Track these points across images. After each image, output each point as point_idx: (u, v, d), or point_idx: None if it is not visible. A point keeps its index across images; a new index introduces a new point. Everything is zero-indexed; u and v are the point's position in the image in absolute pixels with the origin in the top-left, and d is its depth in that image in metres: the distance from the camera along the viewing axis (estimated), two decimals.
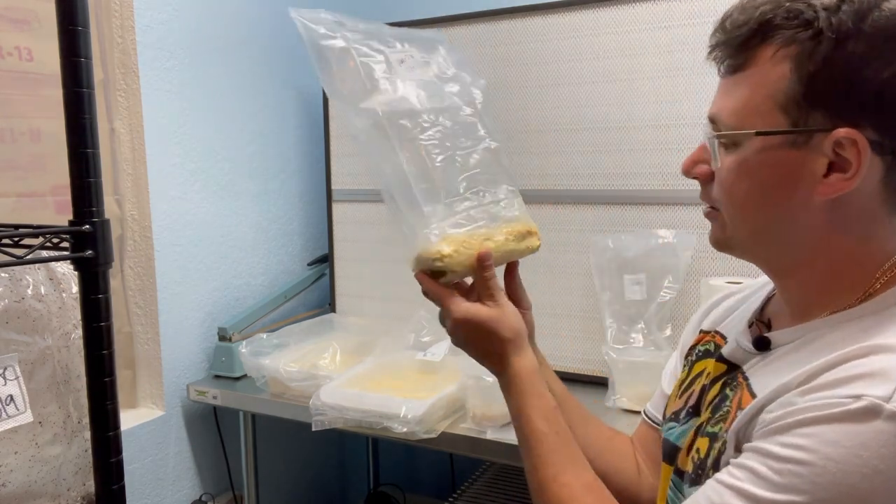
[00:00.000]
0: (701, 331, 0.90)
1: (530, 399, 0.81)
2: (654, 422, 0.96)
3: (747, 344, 0.74)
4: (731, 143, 0.68)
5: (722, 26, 0.68)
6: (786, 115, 0.64)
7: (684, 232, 1.55)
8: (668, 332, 1.56)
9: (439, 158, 0.84)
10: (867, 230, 0.66)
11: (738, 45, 0.67)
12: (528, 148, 1.72)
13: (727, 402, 0.72)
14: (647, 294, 1.57)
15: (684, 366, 0.90)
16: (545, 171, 1.71)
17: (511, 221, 0.87)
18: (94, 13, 1.63)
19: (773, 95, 0.64)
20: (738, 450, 0.64)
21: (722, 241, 0.74)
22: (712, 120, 0.70)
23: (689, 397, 0.82)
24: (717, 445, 0.69)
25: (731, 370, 0.75)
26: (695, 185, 0.75)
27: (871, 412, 0.55)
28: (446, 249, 0.80)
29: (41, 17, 1.50)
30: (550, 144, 1.70)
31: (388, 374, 1.63)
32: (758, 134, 0.65)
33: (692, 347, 0.89)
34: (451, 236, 0.82)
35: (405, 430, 1.41)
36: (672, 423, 0.83)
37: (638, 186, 1.62)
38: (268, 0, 2.02)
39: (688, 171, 0.74)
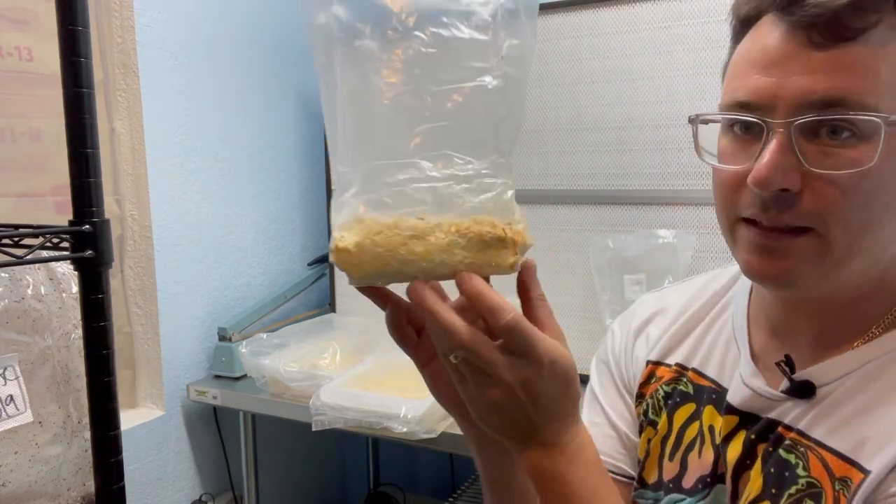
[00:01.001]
0: (650, 362, 0.73)
1: (605, 472, 0.60)
2: (612, 472, 0.73)
3: (768, 389, 0.61)
4: (863, 135, 0.51)
5: None
6: None
7: (684, 232, 1.55)
8: None
9: (391, 94, 0.53)
10: None
11: (871, 3, 0.50)
12: (528, 148, 1.72)
13: (800, 472, 0.57)
14: None
15: (645, 408, 0.72)
16: (545, 171, 1.71)
17: (475, 212, 0.53)
18: (94, 13, 1.63)
19: None
20: None
21: (817, 272, 0.55)
22: (832, 103, 0.51)
23: (685, 458, 0.68)
24: None
25: (751, 422, 0.62)
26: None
27: None
28: (345, 240, 0.52)
29: (41, 17, 1.50)
30: (550, 144, 1.70)
31: (388, 374, 1.63)
32: None
33: (644, 384, 0.73)
34: (363, 220, 0.52)
35: (405, 430, 1.41)
36: (677, 496, 0.67)
37: (638, 186, 1.62)
38: (268, 0, 2.02)
39: (771, 182, 0.52)
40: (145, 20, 1.69)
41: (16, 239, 0.85)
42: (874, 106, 0.50)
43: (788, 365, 0.60)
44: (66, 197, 0.81)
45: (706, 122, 0.61)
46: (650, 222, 1.61)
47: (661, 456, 0.70)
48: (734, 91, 0.57)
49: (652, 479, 0.70)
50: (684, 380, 0.70)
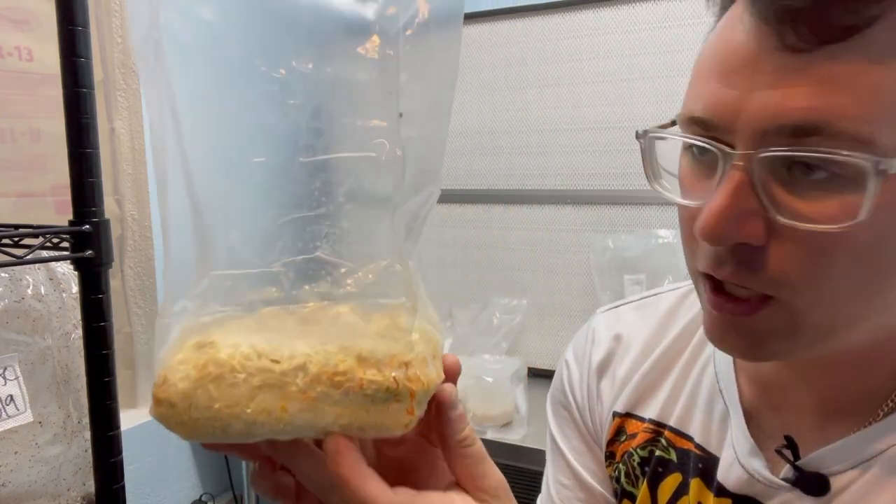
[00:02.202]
0: (617, 415, 0.60)
1: None
2: None
3: (769, 476, 0.49)
4: (850, 176, 0.37)
5: None
6: None
7: None
8: None
9: (241, 161, 0.37)
10: None
11: None
12: (528, 148, 1.72)
13: None
14: None
15: (616, 473, 0.60)
16: (545, 171, 1.71)
17: (357, 345, 0.37)
18: (94, 13, 1.63)
19: None
20: None
21: (793, 346, 0.42)
22: (809, 131, 0.36)
23: None
24: None
25: None
26: None
27: None
28: (168, 388, 0.35)
29: (41, 17, 1.50)
30: (550, 144, 1.70)
31: None
32: None
33: (613, 441, 0.61)
34: (197, 353, 0.35)
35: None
36: None
37: (638, 186, 1.62)
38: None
39: (723, 235, 0.39)
40: None
41: (16, 239, 0.85)
42: (867, 135, 0.35)
43: (791, 448, 0.47)
44: (66, 197, 0.81)
45: (659, 138, 0.46)
46: (650, 222, 1.61)
47: None
48: (691, 101, 0.42)
49: None
50: (662, 441, 0.57)
